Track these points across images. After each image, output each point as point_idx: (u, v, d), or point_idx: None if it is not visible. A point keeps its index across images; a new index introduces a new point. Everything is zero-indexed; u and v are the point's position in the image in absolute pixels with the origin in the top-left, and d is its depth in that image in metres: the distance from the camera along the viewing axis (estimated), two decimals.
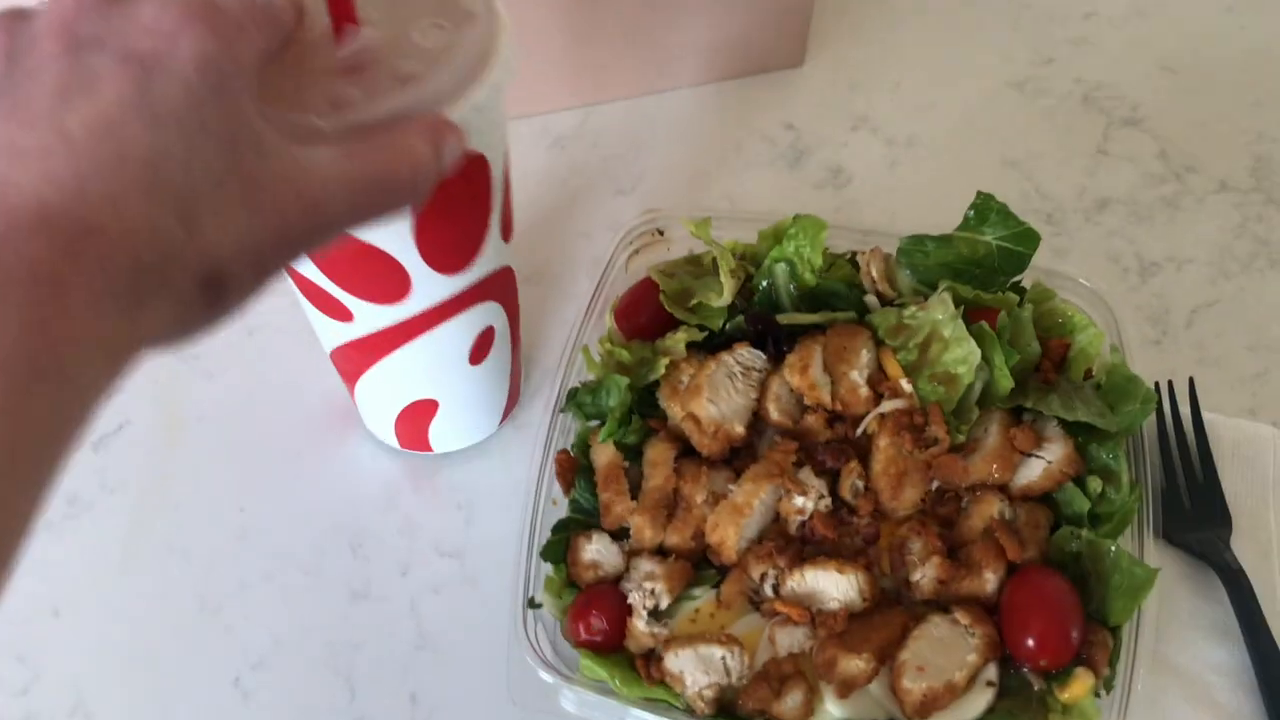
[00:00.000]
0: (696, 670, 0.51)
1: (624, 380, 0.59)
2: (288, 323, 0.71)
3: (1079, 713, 0.50)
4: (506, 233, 0.56)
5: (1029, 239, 0.61)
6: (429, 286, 0.52)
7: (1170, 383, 0.66)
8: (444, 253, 0.51)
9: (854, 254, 0.65)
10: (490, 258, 0.55)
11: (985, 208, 0.61)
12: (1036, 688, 0.51)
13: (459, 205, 0.50)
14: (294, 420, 0.68)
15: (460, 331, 0.57)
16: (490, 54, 0.45)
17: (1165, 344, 0.71)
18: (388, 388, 0.60)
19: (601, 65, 0.84)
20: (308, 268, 0.51)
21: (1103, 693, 0.51)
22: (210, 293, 0.33)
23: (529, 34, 0.77)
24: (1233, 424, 0.66)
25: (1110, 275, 0.74)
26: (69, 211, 0.29)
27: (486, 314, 0.58)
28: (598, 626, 0.53)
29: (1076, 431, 0.58)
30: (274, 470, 0.66)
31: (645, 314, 0.64)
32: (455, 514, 0.64)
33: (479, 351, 0.59)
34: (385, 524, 0.64)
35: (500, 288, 0.58)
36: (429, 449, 0.65)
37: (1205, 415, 0.65)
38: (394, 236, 0.48)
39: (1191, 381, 0.66)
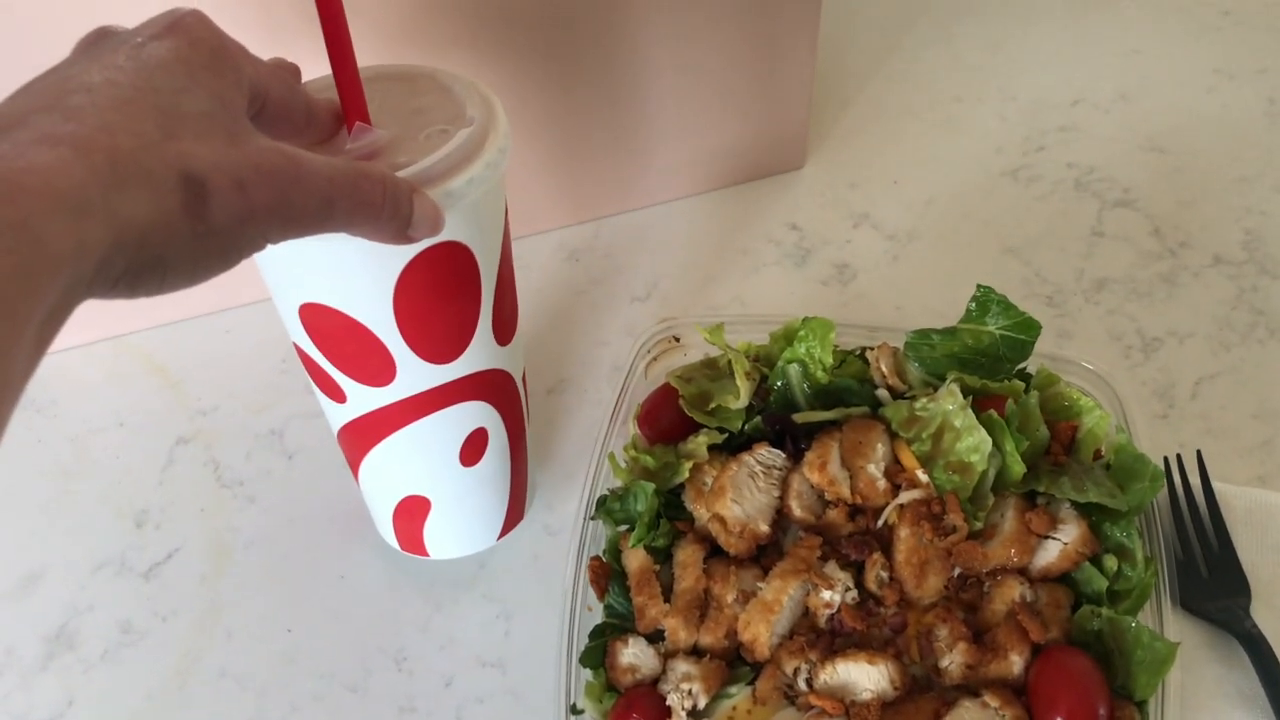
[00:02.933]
0: None
1: (650, 486, 0.61)
2: (322, 445, 0.74)
3: None
4: (501, 335, 0.58)
5: (1030, 327, 0.63)
6: (413, 372, 0.54)
7: (1179, 456, 0.68)
8: (428, 339, 0.54)
9: (863, 350, 0.68)
10: (480, 355, 0.57)
11: (986, 299, 0.64)
12: None
13: (442, 292, 0.52)
14: (334, 540, 0.70)
15: (448, 426, 0.58)
16: (476, 152, 0.49)
17: (1172, 417, 0.73)
18: (383, 478, 0.62)
19: (611, 180, 0.87)
20: (305, 341, 0.54)
21: None
22: (190, 192, 0.35)
23: (541, 155, 0.82)
24: (1243, 492, 0.67)
25: (1114, 353, 0.77)
26: (64, 122, 0.34)
27: (477, 413, 0.59)
28: None
29: (1089, 511, 0.60)
30: (318, 590, 0.68)
31: (667, 419, 0.66)
32: (495, 624, 0.66)
33: (470, 453, 0.61)
34: (427, 637, 0.66)
35: (492, 389, 0.59)
36: (425, 552, 0.66)
37: (1216, 485, 0.67)
38: (377, 313, 0.51)
39: (1199, 454, 0.68)
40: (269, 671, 0.65)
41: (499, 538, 0.67)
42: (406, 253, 0.49)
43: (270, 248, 0.42)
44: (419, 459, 0.60)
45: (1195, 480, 0.67)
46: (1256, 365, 0.75)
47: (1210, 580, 0.63)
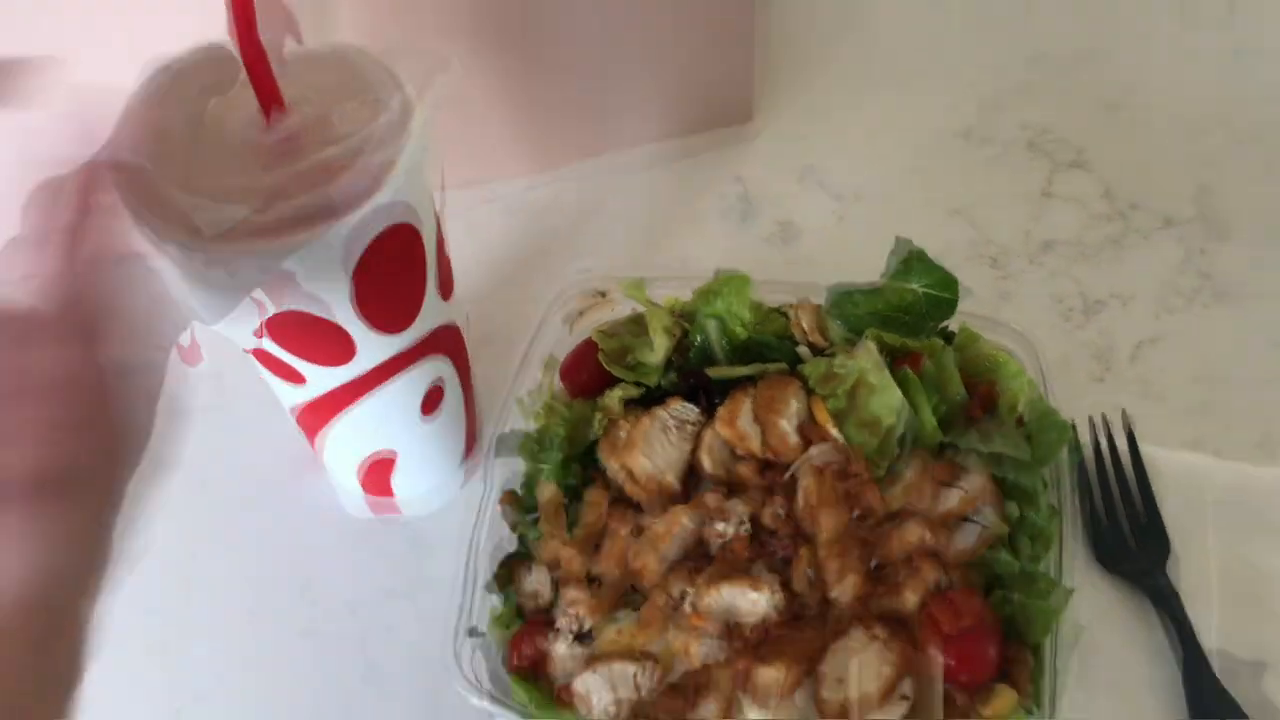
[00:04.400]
0: (603, 690, 0.54)
1: (563, 430, 0.63)
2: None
3: None
4: (445, 292, 0.60)
5: (950, 284, 0.63)
6: (373, 348, 0.56)
7: (1105, 416, 0.68)
8: (385, 317, 0.55)
9: (787, 306, 0.68)
10: (431, 316, 0.58)
11: (907, 256, 0.64)
12: (960, 703, 0.53)
13: (396, 275, 0.54)
14: (256, 470, 0.72)
15: (408, 387, 0.60)
16: (401, 138, 0.49)
17: (1109, 380, 0.72)
18: (346, 444, 0.63)
19: (548, 131, 0.86)
20: (260, 341, 0.54)
21: (1034, 709, 0.53)
22: None
23: (471, 105, 0.80)
24: (1173, 456, 0.67)
25: (1054, 315, 0.76)
26: None
27: (433, 368, 0.61)
28: (528, 653, 0.56)
29: (1004, 472, 0.60)
30: (232, 520, 0.70)
31: (587, 373, 0.67)
32: (408, 557, 0.67)
33: (430, 404, 0.62)
34: (338, 567, 0.67)
35: (444, 343, 0.61)
36: (396, 509, 0.68)
37: (1146, 448, 0.67)
38: (338, 307, 0.52)
39: (1125, 414, 0.68)
40: (169, 596, 0.67)
41: (464, 481, 0.70)
42: (360, 245, 0.49)
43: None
44: (383, 421, 0.61)
45: (1122, 442, 0.67)
46: (1199, 329, 0.75)
47: (1132, 540, 0.64)
